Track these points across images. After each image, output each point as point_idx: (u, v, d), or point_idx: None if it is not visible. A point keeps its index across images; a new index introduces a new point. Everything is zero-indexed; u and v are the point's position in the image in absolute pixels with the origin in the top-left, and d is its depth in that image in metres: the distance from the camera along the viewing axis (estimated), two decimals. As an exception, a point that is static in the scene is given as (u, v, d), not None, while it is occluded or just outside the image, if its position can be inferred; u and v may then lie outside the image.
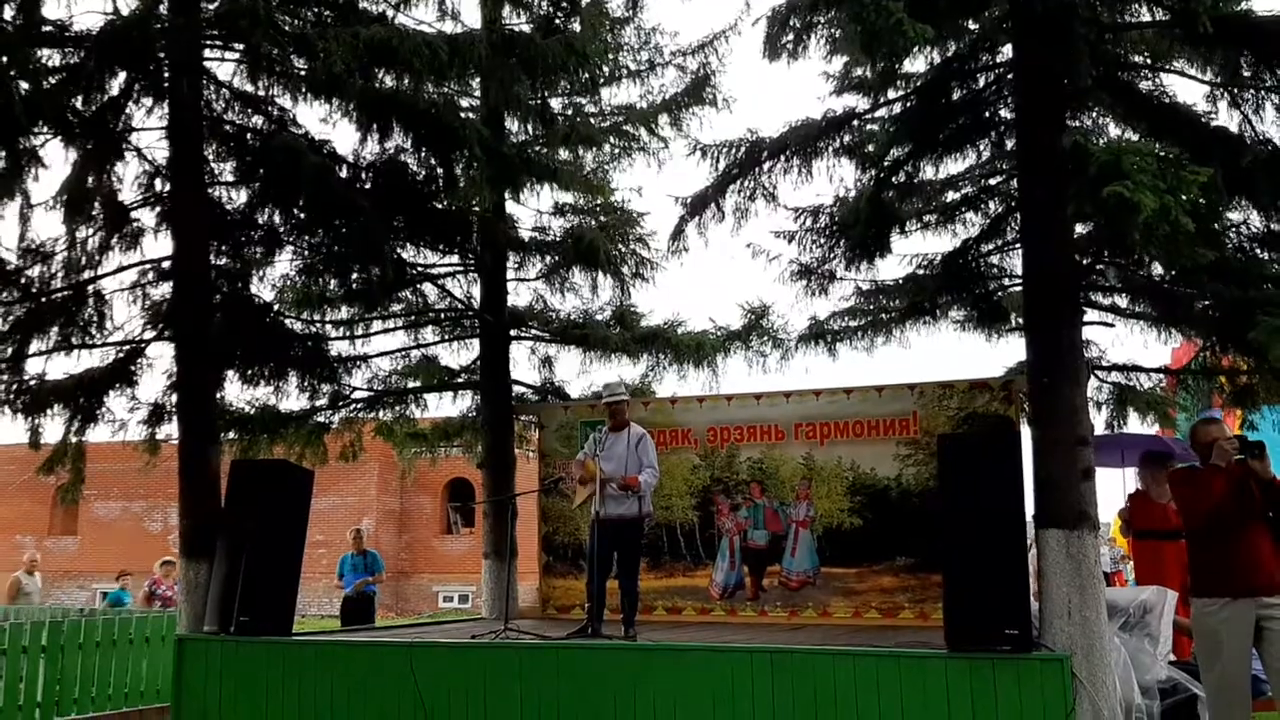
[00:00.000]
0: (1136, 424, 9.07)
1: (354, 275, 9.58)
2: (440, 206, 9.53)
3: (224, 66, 8.85)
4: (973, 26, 7.28)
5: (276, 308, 10.15)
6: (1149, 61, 7.19)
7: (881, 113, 7.97)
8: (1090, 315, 7.81)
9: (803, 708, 6.13)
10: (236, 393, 9.88)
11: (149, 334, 9.25)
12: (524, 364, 14.40)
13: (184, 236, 8.71)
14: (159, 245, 9.22)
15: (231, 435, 10.03)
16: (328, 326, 10.99)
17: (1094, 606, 6.19)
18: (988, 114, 7.70)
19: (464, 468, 22.95)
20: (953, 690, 5.89)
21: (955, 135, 7.76)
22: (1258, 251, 7.17)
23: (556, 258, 11.29)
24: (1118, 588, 8.26)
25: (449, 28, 9.30)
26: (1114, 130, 7.64)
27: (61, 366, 11.14)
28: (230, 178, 9.31)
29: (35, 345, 8.93)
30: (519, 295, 11.62)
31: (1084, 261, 7.32)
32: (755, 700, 6.23)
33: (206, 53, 8.64)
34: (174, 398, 9.13)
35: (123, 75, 8.34)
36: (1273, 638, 5.56)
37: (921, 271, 8.95)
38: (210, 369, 8.82)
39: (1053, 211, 6.59)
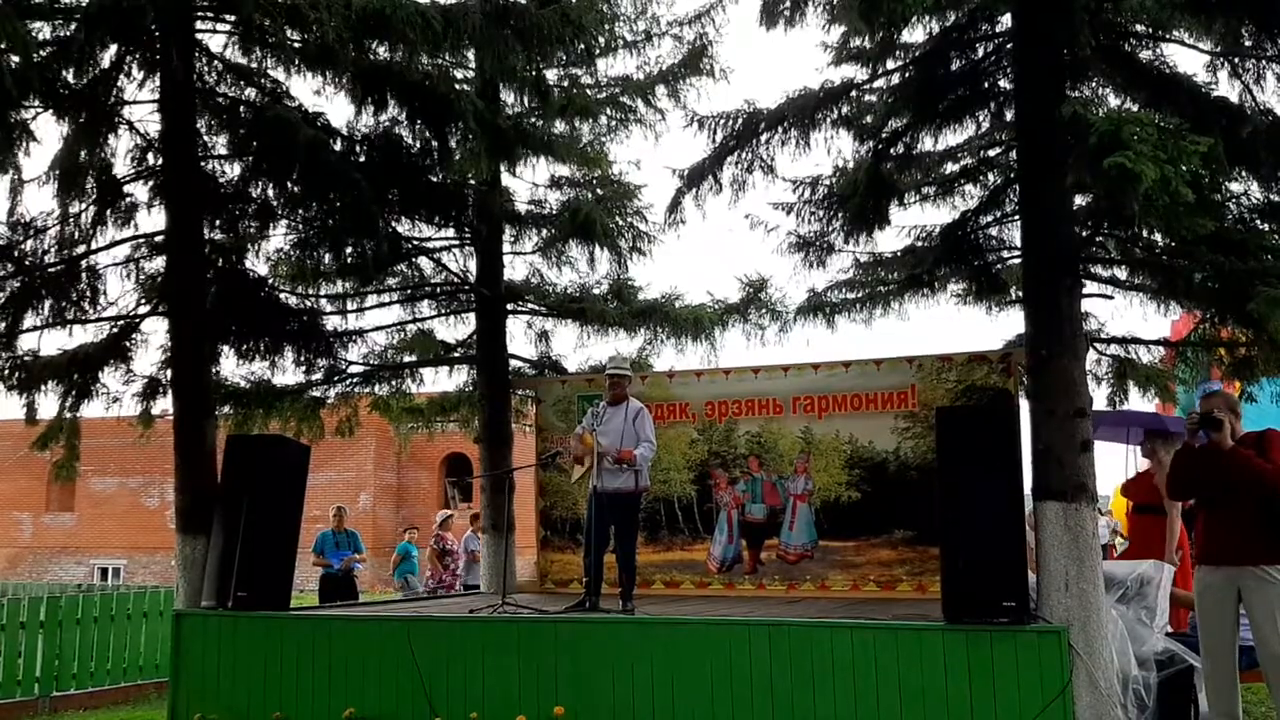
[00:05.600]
0: (1136, 397, 9.07)
1: (349, 249, 9.52)
2: (435, 179, 9.46)
3: (216, 38, 8.78)
4: (972, -5, 7.20)
5: (271, 282, 10.10)
6: (1149, 30, 7.12)
7: (880, 83, 7.91)
8: (1089, 287, 7.80)
9: (800, 680, 6.14)
10: (232, 368, 9.88)
11: (143, 309, 9.22)
12: (520, 338, 14.40)
13: (177, 210, 8.64)
14: (152, 219, 9.20)
15: (227, 410, 10.01)
16: (323, 301, 10.96)
17: (1091, 579, 6.20)
18: (987, 84, 7.64)
19: (461, 442, 22.98)
20: (950, 662, 5.90)
21: (954, 106, 7.70)
22: (1258, 223, 7.14)
23: (553, 231, 11.24)
24: (1115, 560, 8.26)
25: (443, -2, 9.22)
26: (1113, 100, 7.57)
27: (55, 342, 11.12)
28: (224, 151, 9.25)
29: (29, 320, 8.89)
30: (515, 269, 11.59)
31: (1083, 233, 7.29)
32: (753, 673, 6.24)
33: (198, 24, 8.55)
34: (169, 373, 9.11)
35: (114, 48, 8.25)
36: (1251, 610, 5.62)
37: (920, 243, 8.91)
38: (205, 343, 8.78)
39: (1052, 182, 6.55)
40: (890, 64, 7.89)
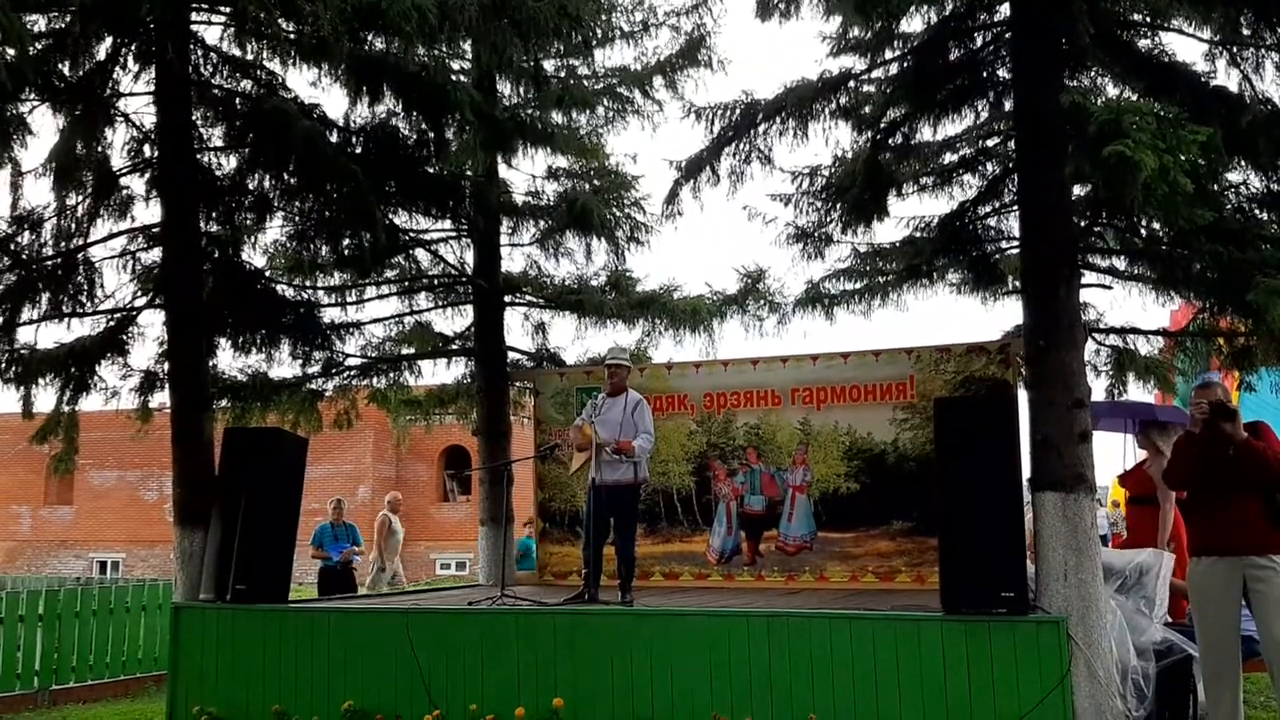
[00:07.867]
0: (1135, 388, 9.04)
1: (346, 241, 9.51)
2: (432, 171, 9.43)
3: (211, 30, 8.75)
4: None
5: (268, 274, 10.07)
6: (1148, 19, 7.10)
7: (878, 73, 7.88)
8: (1088, 277, 7.77)
9: (799, 671, 6.14)
10: (229, 360, 9.85)
11: (140, 301, 9.20)
12: (518, 330, 14.36)
13: (174, 203, 8.62)
14: (149, 212, 9.18)
15: (224, 403, 9.99)
16: (320, 293, 10.94)
17: (1090, 569, 6.20)
18: (985, 74, 7.62)
19: (460, 435, 22.99)
20: (949, 653, 5.90)
21: (953, 96, 7.69)
22: (1256, 212, 7.12)
23: (550, 222, 11.21)
24: (1114, 550, 8.26)
25: (439, -11, 9.17)
26: (1112, 90, 7.56)
27: (53, 335, 11.06)
28: (220, 143, 9.23)
29: (26, 313, 8.86)
30: (513, 260, 11.58)
31: (1082, 223, 7.27)
32: (752, 664, 6.24)
33: (193, 15, 8.52)
34: (166, 365, 9.08)
35: (109, 40, 8.23)
36: (1259, 599, 5.61)
37: (919, 234, 8.88)
38: (202, 336, 8.77)
39: (1050, 172, 6.54)
40: (888, 54, 7.86)
